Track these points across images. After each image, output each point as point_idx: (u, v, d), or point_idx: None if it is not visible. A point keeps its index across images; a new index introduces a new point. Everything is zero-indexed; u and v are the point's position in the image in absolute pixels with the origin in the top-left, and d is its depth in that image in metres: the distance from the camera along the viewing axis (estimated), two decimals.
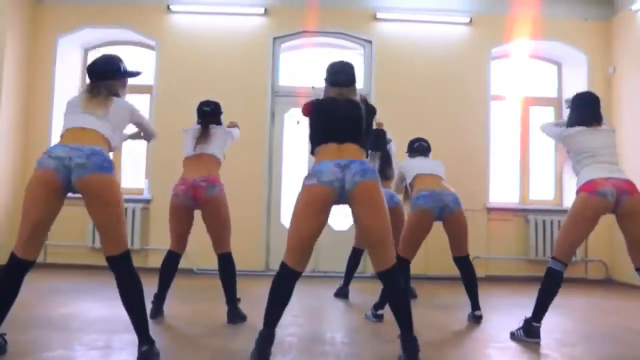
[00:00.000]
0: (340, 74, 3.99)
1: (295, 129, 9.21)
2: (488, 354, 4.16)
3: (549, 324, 5.23)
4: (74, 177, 3.32)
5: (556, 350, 4.17)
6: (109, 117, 3.61)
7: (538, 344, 4.32)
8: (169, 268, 5.03)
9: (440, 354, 3.64)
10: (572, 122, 4.70)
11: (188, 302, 5.57)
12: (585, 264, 8.82)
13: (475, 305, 5.26)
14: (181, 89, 8.79)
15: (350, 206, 3.69)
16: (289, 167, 9.13)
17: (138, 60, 9.31)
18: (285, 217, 8.96)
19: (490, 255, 8.67)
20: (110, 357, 3.68)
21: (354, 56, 9.33)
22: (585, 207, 4.34)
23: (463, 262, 5.38)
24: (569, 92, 9.39)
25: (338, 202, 3.67)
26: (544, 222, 8.88)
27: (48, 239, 8.32)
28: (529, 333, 4.42)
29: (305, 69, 9.42)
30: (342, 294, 6.59)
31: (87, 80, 3.81)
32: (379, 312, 5.15)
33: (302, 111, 3.97)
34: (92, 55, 9.45)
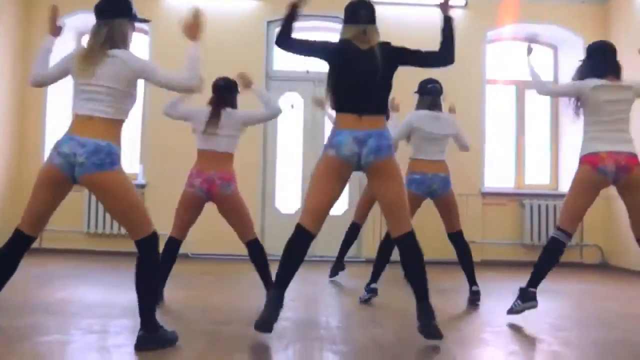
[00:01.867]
0: (360, 10, 3.94)
1: (290, 113, 9.18)
2: (483, 338, 4.17)
3: (544, 309, 5.25)
4: (76, 174, 3.32)
5: (550, 335, 4.19)
6: (115, 85, 3.47)
7: (535, 307, 4.41)
8: (170, 255, 4.96)
9: (440, 329, 3.65)
10: (585, 72, 4.68)
11: (183, 287, 5.58)
12: (580, 248, 8.83)
13: (471, 281, 5.29)
14: None
15: (366, 175, 3.85)
16: (283, 152, 9.12)
17: (131, 45, 9.25)
18: (280, 202, 8.97)
19: (485, 240, 8.68)
20: (106, 341, 3.69)
21: None
22: (585, 180, 4.42)
23: (456, 238, 5.43)
24: (566, 76, 9.40)
25: (357, 170, 3.80)
26: (539, 206, 8.90)
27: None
28: (525, 298, 4.46)
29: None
30: (337, 268, 6.58)
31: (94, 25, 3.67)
32: (372, 285, 5.18)
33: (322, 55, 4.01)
34: (86, 40, 9.39)
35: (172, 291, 5.13)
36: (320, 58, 4.01)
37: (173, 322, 3.88)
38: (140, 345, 3.38)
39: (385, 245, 5.17)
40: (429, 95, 5.69)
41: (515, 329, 4.36)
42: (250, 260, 5.01)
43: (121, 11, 3.71)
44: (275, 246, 8.62)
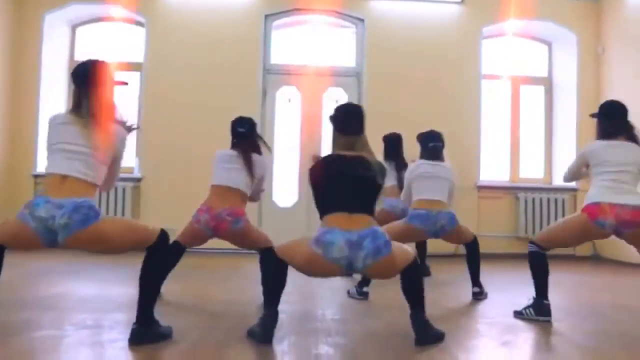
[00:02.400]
0: (349, 121, 3.85)
1: (287, 107, 9.19)
2: (478, 329, 4.20)
3: None
4: (61, 238, 3.24)
5: (544, 326, 4.20)
6: (96, 149, 3.37)
7: (550, 322, 4.29)
8: (173, 256, 4.89)
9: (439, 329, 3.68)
10: (599, 135, 4.57)
11: (178, 281, 5.57)
12: (578, 244, 8.85)
13: (475, 282, 5.31)
14: (171, 67, 8.76)
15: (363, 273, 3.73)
16: (280, 145, 9.12)
17: (127, 37, 9.25)
18: (277, 195, 8.98)
19: (480, 233, 8.65)
20: (100, 335, 3.69)
21: (346, 34, 9.31)
22: (580, 229, 4.34)
23: (469, 245, 5.47)
24: (559, 72, 9.45)
25: (347, 273, 3.69)
26: (533, 200, 8.94)
27: None
28: (539, 312, 4.37)
29: (297, 47, 9.38)
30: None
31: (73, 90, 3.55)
32: (364, 289, 5.18)
33: (310, 177, 3.76)
34: (80, 32, 9.37)
35: (168, 284, 5.12)
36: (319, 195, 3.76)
37: (168, 315, 3.89)
38: (135, 340, 3.38)
39: None
40: (430, 154, 5.60)
41: (508, 320, 4.38)
42: (260, 265, 4.96)
43: (101, 81, 3.52)
44: (273, 240, 8.60)
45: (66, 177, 3.29)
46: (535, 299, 4.44)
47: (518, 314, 4.47)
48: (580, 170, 4.67)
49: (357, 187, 3.65)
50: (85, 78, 3.48)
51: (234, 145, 5.00)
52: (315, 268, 3.61)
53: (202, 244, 4.97)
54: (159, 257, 3.51)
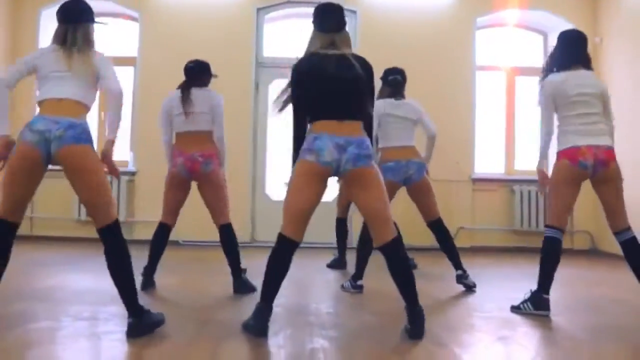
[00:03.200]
0: (329, 16, 3.78)
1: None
2: (472, 324, 4.19)
3: None
4: (53, 149, 3.33)
5: (540, 319, 4.20)
6: (85, 75, 3.54)
7: (547, 316, 4.26)
8: (160, 240, 5.00)
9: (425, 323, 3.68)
10: (553, 64, 4.55)
11: (174, 274, 5.58)
12: (571, 234, 8.86)
13: (457, 266, 5.29)
14: (165, 61, 8.71)
15: (344, 183, 3.72)
16: (273, 139, 9.09)
17: (121, 31, 9.22)
18: (271, 188, 8.97)
19: (475, 226, 8.71)
20: (96, 327, 3.69)
21: None
22: (566, 176, 4.35)
23: (435, 226, 5.43)
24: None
25: (335, 176, 3.67)
26: (529, 192, 8.91)
27: (34, 212, 8.32)
28: (538, 306, 4.32)
29: (289, 40, 9.35)
30: (338, 265, 6.60)
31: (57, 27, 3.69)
32: (359, 282, 5.18)
33: (292, 77, 3.76)
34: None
35: (164, 278, 5.14)
36: (304, 107, 3.74)
37: (164, 309, 3.89)
38: (132, 333, 3.39)
39: (364, 239, 5.16)
40: (390, 87, 5.57)
41: (504, 314, 4.37)
42: (221, 245, 5.02)
43: (86, 17, 3.74)
44: (265, 233, 8.70)
45: (61, 99, 3.46)
46: (534, 292, 4.38)
47: (515, 309, 4.43)
48: (552, 111, 4.54)
49: (344, 92, 3.62)
50: (70, 14, 3.68)
51: (182, 85, 5.16)
52: (313, 183, 3.61)
53: (184, 195, 5.05)
54: (120, 247, 3.49)
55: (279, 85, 8.90)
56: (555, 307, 4.41)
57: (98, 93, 3.67)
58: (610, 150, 4.33)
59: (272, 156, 9.05)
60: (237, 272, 4.96)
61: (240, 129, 8.55)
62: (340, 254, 6.63)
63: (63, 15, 3.68)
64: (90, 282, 5.27)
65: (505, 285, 5.81)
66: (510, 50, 9.67)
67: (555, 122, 4.56)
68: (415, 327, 3.55)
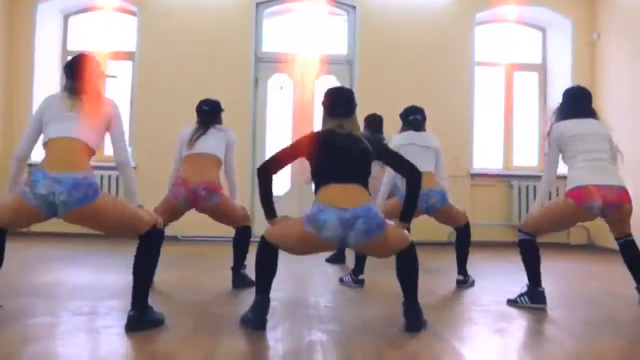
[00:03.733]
0: (340, 104, 3.86)
1: (279, 95, 9.18)
2: (470, 317, 4.21)
3: None
4: (60, 211, 3.28)
5: (538, 314, 4.22)
6: (93, 118, 3.51)
7: (544, 310, 4.28)
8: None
9: (425, 317, 3.69)
10: (561, 116, 4.56)
11: (172, 269, 5.59)
12: (568, 229, 8.88)
13: (460, 270, 5.29)
14: (164, 55, 8.72)
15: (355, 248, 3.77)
16: (273, 134, 9.11)
17: (119, 26, 9.21)
18: None
19: (473, 221, 8.59)
20: (95, 322, 3.69)
21: (338, 22, 9.29)
22: (567, 215, 4.34)
23: (460, 230, 5.45)
24: (554, 58, 9.45)
25: (340, 247, 3.77)
26: (527, 187, 8.94)
27: None
28: (534, 299, 4.35)
29: (288, 34, 9.35)
30: (337, 259, 6.61)
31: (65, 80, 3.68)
32: (360, 277, 5.19)
33: (301, 149, 3.87)
34: (73, 22, 9.32)
35: (163, 273, 5.13)
36: (303, 155, 3.87)
37: (163, 303, 3.91)
38: (132, 326, 3.40)
39: None
40: (410, 126, 5.50)
41: (502, 307, 4.39)
42: (233, 239, 5.08)
43: (93, 73, 3.69)
44: (264, 228, 8.64)
45: (63, 141, 3.39)
46: (529, 287, 4.42)
47: (512, 302, 4.46)
48: (557, 158, 4.53)
49: (350, 159, 3.66)
50: (75, 71, 3.62)
51: (197, 122, 5.18)
52: (308, 247, 3.66)
53: (176, 219, 5.07)
54: (154, 246, 3.56)
55: (277, 80, 9.02)
56: (552, 301, 4.43)
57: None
58: (623, 192, 4.25)
59: (271, 151, 9.04)
60: (238, 268, 4.97)
61: (240, 124, 8.54)
62: (339, 249, 6.63)
63: (69, 71, 3.66)
64: (89, 277, 5.28)
65: (503, 279, 5.83)
66: (509, 46, 9.67)
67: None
68: (410, 320, 3.58)
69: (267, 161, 3.95)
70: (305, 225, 3.56)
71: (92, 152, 3.49)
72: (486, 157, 9.39)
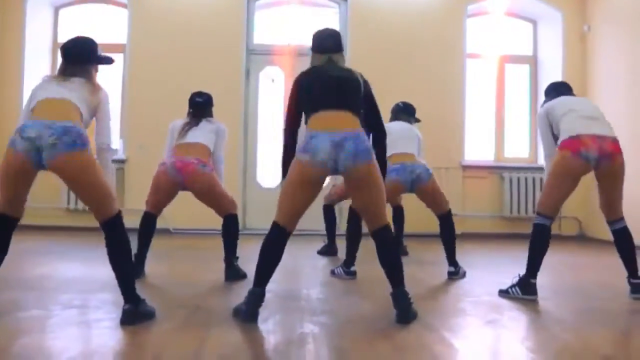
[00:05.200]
0: (328, 39, 3.91)
1: (271, 87, 9.16)
2: (462, 308, 4.22)
3: None
4: (45, 157, 3.25)
5: (529, 304, 4.23)
6: (85, 96, 3.51)
7: (535, 301, 4.30)
8: (147, 228, 5.01)
9: (415, 307, 3.70)
10: (549, 100, 4.66)
11: (164, 262, 5.59)
12: (559, 220, 8.92)
13: (450, 262, 5.30)
14: (154, 47, 8.69)
15: (343, 177, 3.70)
16: (264, 126, 9.10)
17: (110, 18, 9.17)
18: (261, 176, 8.97)
19: (465, 213, 8.75)
20: (86, 315, 3.69)
21: (330, 14, 9.28)
22: (567, 167, 4.29)
23: (444, 218, 5.43)
24: (545, 50, 9.47)
25: (334, 173, 3.67)
26: (518, 179, 8.97)
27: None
28: (525, 290, 4.35)
29: (280, 27, 9.33)
30: (329, 251, 6.62)
31: (60, 63, 3.67)
32: (352, 268, 5.20)
33: (293, 88, 3.82)
34: (63, 15, 9.27)
35: (154, 266, 5.14)
36: (304, 107, 3.80)
37: (154, 296, 3.90)
38: (127, 320, 3.39)
39: (353, 224, 5.21)
40: (400, 113, 5.86)
41: (493, 298, 4.40)
42: (222, 231, 5.08)
43: (89, 59, 3.71)
44: (256, 221, 8.70)
45: (54, 99, 3.39)
46: (522, 277, 4.41)
47: (504, 293, 4.47)
48: (551, 135, 4.55)
49: (341, 87, 3.69)
50: (71, 54, 3.64)
51: (189, 114, 5.22)
52: (308, 178, 3.60)
53: (168, 197, 5.04)
54: (119, 233, 3.51)
55: (269, 72, 9.00)
56: (543, 292, 4.45)
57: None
58: (616, 143, 4.29)
59: (263, 144, 9.05)
60: (230, 260, 4.97)
61: (231, 117, 8.52)
62: (330, 240, 6.66)
63: (65, 54, 3.67)
64: (80, 270, 5.27)
65: (494, 270, 5.84)
66: (500, 38, 9.68)
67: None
68: (400, 310, 3.59)
69: (284, 126, 3.89)
70: (301, 156, 3.57)
71: (82, 117, 3.46)
72: (477, 148, 9.41)
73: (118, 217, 3.52)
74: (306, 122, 3.73)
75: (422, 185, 5.35)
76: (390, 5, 9.02)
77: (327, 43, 3.89)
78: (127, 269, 3.51)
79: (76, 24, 9.23)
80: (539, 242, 4.42)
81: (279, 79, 9.21)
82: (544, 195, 4.47)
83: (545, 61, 9.56)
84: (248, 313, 3.55)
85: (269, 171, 9.05)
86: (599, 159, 4.22)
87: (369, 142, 3.64)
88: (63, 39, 8.96)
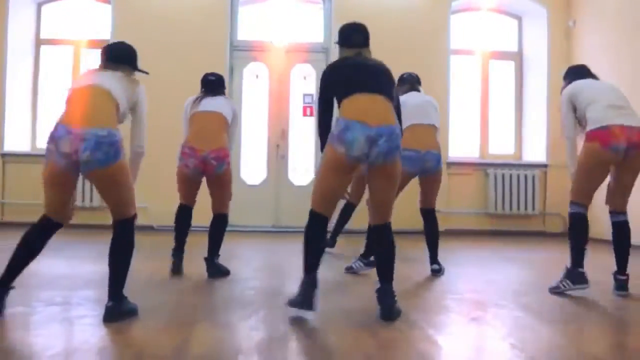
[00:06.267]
0: (356, 34, 3.96)
1: (255, 83, 9.13)
2: (446, 304, 4.22)
3: (508, 276, 5.35)
4: (82, 169, 3.34)
5: (512, 301, 4.25)
6: (124, 83, 3.59)
7: (586, 288, 4.34)
8: (183, 220, 5.16)
9: (399, 304, 3.70)
10: (569, 82, 4.68)
11: (148, 259, 5.55)
12: (543, 217, 8.97)
13: (432, 259, 5.30)
14: (138, 44, 8.39)
15: (369, 169, 3.70)
16: (248, 123, 9.05)
17: (93, 14, 9.10)
18: (245, 172, 8.93)
19: (450, 209, 8.75)
20: (69, 312, 3.66)
21: (314, 10, 9.26)
22: (597, 159, 4.32)
23: (427, 214, 5.43)
24: (530, 46, 9.49)
25: (363, 166, 3.71)
26: (503, 176, 8.99)
27: (5, 198, 8.26)
28: (576, 280, 4.36)
29: (264, 23, 9.30)
30: (327, 243, 6.55)
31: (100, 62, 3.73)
32: (371, 258, 5.18)
33: (324, 79, 3.85)
34: (46, 11, 9.17)
35: (138, 263, 5.04)
36: (336, 91, 3.81)
37: (138, 293, 3.86)
38: (110, 317, 3.37)
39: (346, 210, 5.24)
40: (407, 83, 5.69)
41: (477, 296, 4.42)
42: (209, 228, 5.08)
43: (129, 61, 3.84)
44: (240, 217, 8.66)
45: (92, 86, 3.46)
46: (569, 269, 4.43)
47: (555, 290, 4.46)
48: (573, 116, 4.55)
49: (377, 73, 3.78)
50: (115, 56, 3.74)
51: (202, 92, 5.24)
52: (342, 167, 3.62)
53: (197, 187, 5.13)
54: (128, 235, 3.55)
55: (253, 69, 8.96)
56: (528, 288, 4.48)
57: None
58: None
59: (247, 140, 9.02)
60: (213, 257, 4.95)
61: None
62: (333, 235, 6.55)
63: (108, 55, 3.72)
64: (63, 267, 5.23)
65: (478, 267, 5.86)
66: (485, 34, 9.70)
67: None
68: (384, 307, 3.60)
69: (318, 123, 3.91)
70: (336, 145, 3.58)
71: (118, 109, 3.51)
72: (462, 145, 9.42)
73: (132, 219, 3.56)
74: (339, 107, 3.73)
75: (429, 174, 5.34)
76: (374, 2, 9.01)
77: (356, 38, 3.95)
78: (124, 269, 3.52)
79: (59, 20, 9.16)
80: (578, 231, 4.46)
81: (263, 76, 9.17)
82: (576, 185, 4.48)
83: (531, 57, 9.58)
84: (305, 302, 3.58)
85: (253, 168, 9.02)
86: (627, 149, 4.24)
87: (400, 138, 3.67)
88: (46, 35, 8.96)
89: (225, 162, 4.96)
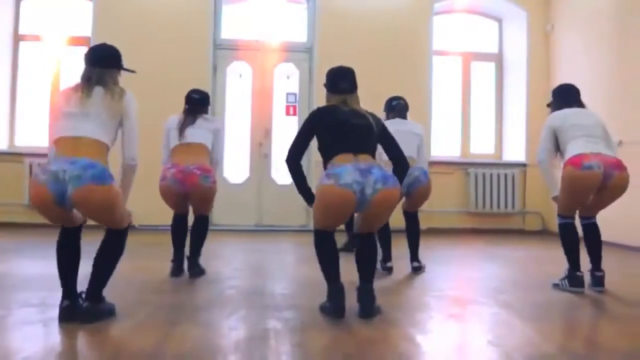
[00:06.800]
0: (342, 80, 3.97)
1: (238, 82, 9.10)
2: (426, 302, 4.24)
3: (488, 274, 5.38)
4: (70, 189, 3.22)
5: (492, 298, 4.28)
6: (106, 114, 3.48)
7: (582, 292, 4.45)
8: (178, 230, 5.06)
9: (379, 301, 3.71)
10: (556, 108, 4.80)
11: (129, 258, 5.44)
12: (523, 215, 9.02)
13: (413, 257, 5.32)
14: (120, 41, 8.31)
15: (366, 209, 3.68)
16: (231, 122, 9.03)
17: (74, 10, 9.02)
18: (229, 172, 8.90)
19: (431, 208, 8.74)
20: (45, 313, 3.62)
21: (298, 10, 9.25)
22: (573, 181, 4.49)
23: (410, 215, 5.47)
24: (510, 48, 9.55)
25: (357, 209, 3.69)
26: (483, 175, 9.04)
27: None
28: (573, 283, 4.52)
29: (248, 22, 9.27)
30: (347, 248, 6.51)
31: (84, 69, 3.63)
32: (388, 264, 5.23)
33: (309, 123, 3.90)
34: (25, 6, 9.08)
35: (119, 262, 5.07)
36: (315, 134, 3.88)
37: (115, 293, 3.83)
38: (87, 318, 3.35)
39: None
40: (394, 111, 5.71)
41: (457, 293, 4.44)
42: (192, 228, 5.05)
43: (114, 63, 3.73)
44: (223, 216, 8.66)
45: (78, 138, 3.35)
46: (568, 270, 4.59)
47: (556, 286, 4.63)
48: (551, 143, 4.71)
49: (357, 133, 3.75)
50: (97, 59, 3.65)
51: (185, 111, 5.15)
52: (332, 202, 3.64)
53: (184, 201, 5.02)
54: (120, 241, 3.55)
55: (236, 67, 8.93)
56: (508, 286, 4.50)
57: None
58: (620, 160, 4.49)
59: (230, 139, 8.99)
60: (195, 257, 4.94)
61: None
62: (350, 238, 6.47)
63: (90, 58, 3.65)
64: (39, 268, 5.17)
65: (458, 265, 5.89)
66: (466, 36, 9.74)
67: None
68: (363, 305, 3.63)
69: (289, 153, 3.90)
70: (324, 180, 3.62)
71: (107, 147, 3.47)
72: (444, 145, 9.45)
73: (125, 229, 3.56)
74: (326, 161, 3.77)
75: (419, 186, 5.34)
76: (358, 3, 9.02)
77: (342, 85, 3.95)
78: (108, 272, 3.51)
79: (38, 15, 9.06)
80: (568, 238, 4.63)
81: (247, 74, 9.15)
82: (561, 204, 4.67)
83: (511, 59, 9.64)
84: (337, 310, 3.59)
85: (236, 167, 8.99)
86: (605, 170, 4.40)
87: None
88: (25, 31, 8.87)
89: (211, 176, 4.90)
